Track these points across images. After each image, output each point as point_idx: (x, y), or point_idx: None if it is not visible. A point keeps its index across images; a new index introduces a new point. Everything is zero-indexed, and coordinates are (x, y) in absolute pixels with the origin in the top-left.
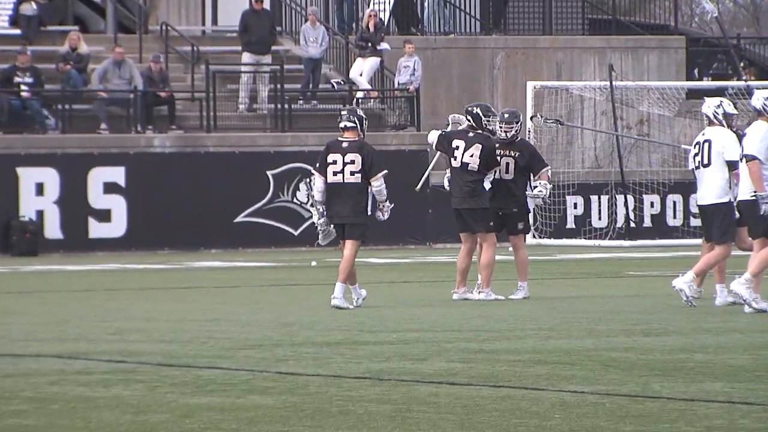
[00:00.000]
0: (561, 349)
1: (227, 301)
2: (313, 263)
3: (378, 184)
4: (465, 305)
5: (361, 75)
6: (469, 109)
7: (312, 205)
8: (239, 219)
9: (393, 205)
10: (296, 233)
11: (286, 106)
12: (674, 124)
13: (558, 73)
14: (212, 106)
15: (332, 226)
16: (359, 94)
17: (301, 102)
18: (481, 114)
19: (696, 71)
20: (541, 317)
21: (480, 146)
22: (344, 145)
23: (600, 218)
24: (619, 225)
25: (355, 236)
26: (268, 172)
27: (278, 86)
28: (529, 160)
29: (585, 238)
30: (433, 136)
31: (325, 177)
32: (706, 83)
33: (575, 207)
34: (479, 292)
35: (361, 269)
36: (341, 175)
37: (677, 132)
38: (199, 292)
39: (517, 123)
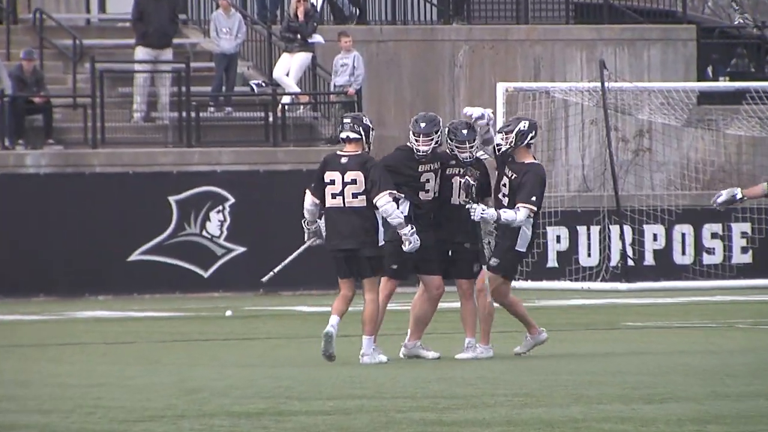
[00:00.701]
0: (540, 420)
1: (119, 361)
2: (229, 313)
3: (383, 203)
4: (419, 365)
5: (287, 75)
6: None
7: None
8: (134, 257)
9: (414, 230)
10: (206, 275)
11: (193, 114)
12: (683, 136)
13: (536, 72)
14: (99, 114)
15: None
16: (285, 99)
17: (211, 109)
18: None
19: (710, 69)
20: (515, 380)
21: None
22: (343, 160)
23: (589, 255)
24: (613, 263)
25: (368, 273)
26: (171, 198)
27: (183, 89)
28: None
29: (571, 280)
30: None
31: (321, 199)
32: (723, 84)
33: (558, 241)
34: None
35: (287, 319)
36: (341, 198)
37: (687, 146)
38: (84, 350)
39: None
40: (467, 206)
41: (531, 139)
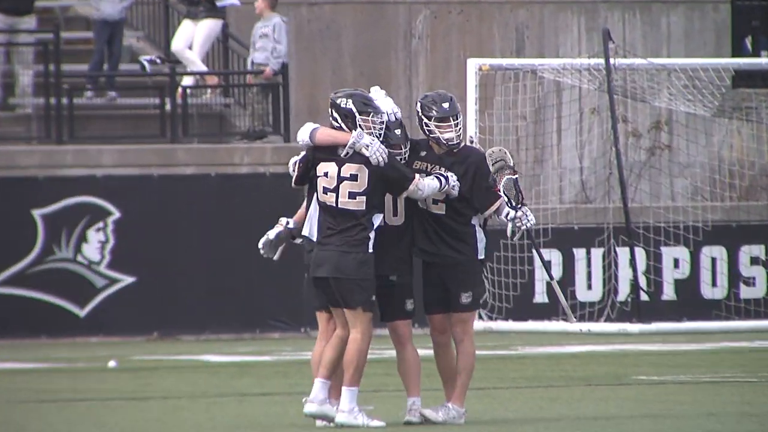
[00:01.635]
0: None
1: None
2: (112, 363)
3: (415, 188)
4: None
5: (190, 48)
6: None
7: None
8: None
9: (456, 177)
10: (82, 314)
11: (65, 100)
12: (713, 129)
13: (519, 45)
14: None
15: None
16: (187, 81)
17: (89, 94)
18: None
19: (748, 41)
20: None
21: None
22: (341, 149)
23: (590, 287)
24: (621, 298)
25: (355, 302)
26: (36, 212)
27: (51, 68)
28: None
29: (565, 320)
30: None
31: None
32: (766, 60)
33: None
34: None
35: (190, 373)
36: (334, 195)
37: (718, 143)
38: None
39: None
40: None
41: None
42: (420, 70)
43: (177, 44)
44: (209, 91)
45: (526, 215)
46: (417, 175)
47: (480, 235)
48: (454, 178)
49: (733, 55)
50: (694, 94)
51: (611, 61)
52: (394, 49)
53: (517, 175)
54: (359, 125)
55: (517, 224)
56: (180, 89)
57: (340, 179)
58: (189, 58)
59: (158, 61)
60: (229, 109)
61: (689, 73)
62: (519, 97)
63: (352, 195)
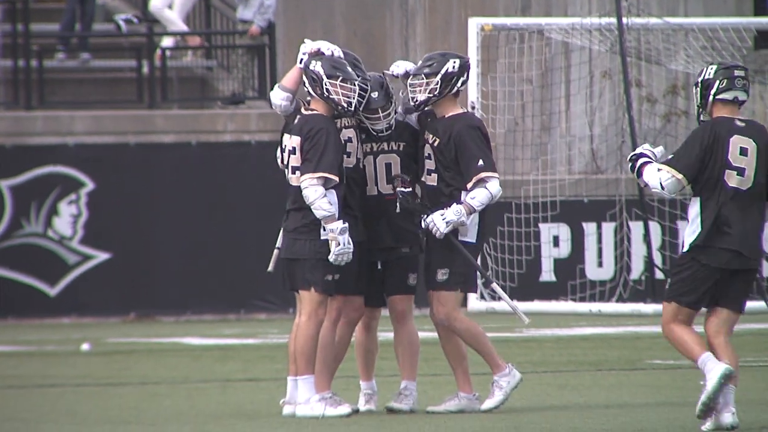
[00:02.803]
0: None
1: None
2: (86, 346)
3: (306, 185)
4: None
5: (170, 8)
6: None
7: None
8: None
9: (346, 225)
10: (53, 293)
11: (34, 63)
12: None
13: (524, 4)
14: None
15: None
16: (167, 42)
17: (61, 56)
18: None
19: None
20: None
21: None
22: (296, 121)
23: (601, 264)
24: (634, 276)
25: (302, 283)
26: (3, 183)
27: (17, 28)
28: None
29: (574, 300)
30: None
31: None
32: None
33: (556, 244)
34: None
35: (169, 356)
36: (287, 171)
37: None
38: None
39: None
40: (421, 220)
41: (462, 84)
42: (417, 31)
43: (156, 2)
44: (190, 52)
45: (433, 223)
46: (316, 178)
47: (473, 216)
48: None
49: (755, 14)
50: (713, 56)
51: (624, 20)
52: (390, 7)
53: (407, 189)
54: (326, 89)
55: (433, 230)
56: (158, 51)
57: (288, 152)
58: (168, 17)
59: (135, 20)
60: (212, 73)
61: (708, 34)
62: (524, 59)
63: (293, 170)
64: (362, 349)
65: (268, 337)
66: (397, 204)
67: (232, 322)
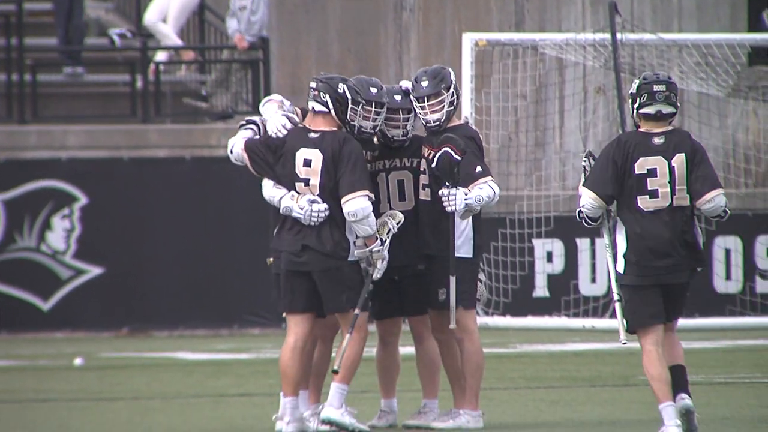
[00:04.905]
0: None
1: None
2: (78, 361)
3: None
4: None
5: (164, 21)
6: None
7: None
8: None
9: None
10: (46, 307)
11: (28, 77)
12: (727, 110)
13: (518, 19)
14: None
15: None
16: (161, 56)
17: (68, 70)
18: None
19: (765, 15)
20: None
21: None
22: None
23: (594, 279)
24: None
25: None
26: None
27: (10, 42)
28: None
29: (567, 316)
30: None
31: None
32: None
33: (549, 259)
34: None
35: (162, 371)
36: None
37: (733, 125)
38: None
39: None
40: (444, 186)
41: (459, 98)
42: (411, 46)
43: (150, 17)
44: (184, 67)
45: (454, 196)
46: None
47: (467, 231)
48: None
49: (749, 31)
50: (707, 73)
51: (618, 36)
52: (384, 23)
53: (460, 158)
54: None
55: (444, 203)
56: (152, 65)
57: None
58: (162, 31)
59: (129, 34)
60: (206, 87)
61: (702, 50)
62: (518, 75)
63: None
64: (380, 366)
65: (261, 352)
66: (437, 159)
67: (226, 337)
